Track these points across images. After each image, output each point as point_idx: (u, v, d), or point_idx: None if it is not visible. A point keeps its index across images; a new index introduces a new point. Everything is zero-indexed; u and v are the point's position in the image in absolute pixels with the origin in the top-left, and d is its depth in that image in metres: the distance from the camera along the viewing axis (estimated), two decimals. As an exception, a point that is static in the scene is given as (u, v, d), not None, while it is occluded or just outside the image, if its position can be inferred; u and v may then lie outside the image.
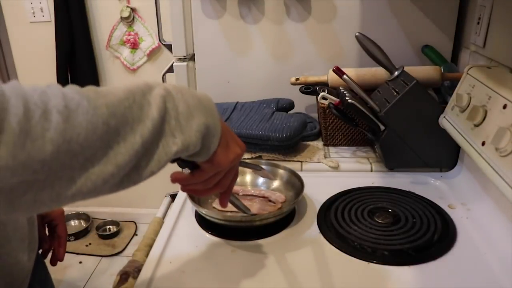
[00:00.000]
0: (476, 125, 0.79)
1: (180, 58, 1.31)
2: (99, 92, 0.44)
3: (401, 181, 1.00)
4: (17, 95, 0.38)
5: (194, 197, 0.86)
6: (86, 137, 0.41)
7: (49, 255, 0.80)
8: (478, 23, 1.04)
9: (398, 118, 0.97)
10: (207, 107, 0.53)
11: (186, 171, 0.60)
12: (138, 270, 0.74)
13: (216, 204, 0.90)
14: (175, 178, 0.58)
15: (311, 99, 1.27)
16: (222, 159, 0.56)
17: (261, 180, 0.97)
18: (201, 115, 0.52)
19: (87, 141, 0.41)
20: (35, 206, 0.41)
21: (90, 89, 0.45)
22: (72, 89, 0.43)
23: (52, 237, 0.80)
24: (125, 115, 0.45)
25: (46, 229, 0.80)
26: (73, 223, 2.46)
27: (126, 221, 2.48)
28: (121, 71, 2.28)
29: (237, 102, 1.22)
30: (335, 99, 1.05)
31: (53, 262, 0.79)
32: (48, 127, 0.38)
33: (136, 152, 0.45)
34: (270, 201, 0.90)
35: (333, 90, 1.12)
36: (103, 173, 0.43)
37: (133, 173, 0.47)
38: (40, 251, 0.77)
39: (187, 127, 0.50)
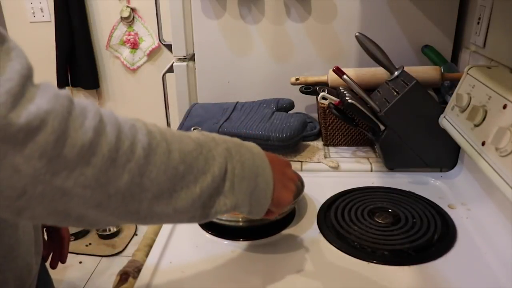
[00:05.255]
0: (476, 125, 0.79)
1: (180, 58, 1.32)
2: (175, 136, 0.48)
3: (401, 181, 1.00)
4: (112, 123, 0.41)
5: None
6: (157, 176, 0.44)
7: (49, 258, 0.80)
8: (478, 23, 1.04)
9: (398, 118, 0.97)
10: (259, 166, 0.56)
11: None
12: (138, 270, 0.74)
13: None
14: None
15: (311, 99, 1.27)
16: (283, 199, 0.62)
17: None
18: (251, 178, 0.54)
19: (157, 179, 0.44)
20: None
21: (167, 131, 0.48)
22: (155, 128, 0.46)
23: (51, 241, 0.80)
24: (192, 164, 0.48)
25: (45, 233, 0.80)
26: (73, 223, 2.46)
27: (126, 221, 2.48)
28: (121, 71, 2.28)
29: (237, 102, 1.22)
30: (335, 99, 1.05)
31: (54, 265, 0.79)
32: (131, 159, 0.42)
33: (193, 202, 0.48)
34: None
35: (333, 90, 1.12)
36: (162, 213, 0.46)
37: (185, 222, 0.51)
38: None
39: (239, 190, 0.53)
